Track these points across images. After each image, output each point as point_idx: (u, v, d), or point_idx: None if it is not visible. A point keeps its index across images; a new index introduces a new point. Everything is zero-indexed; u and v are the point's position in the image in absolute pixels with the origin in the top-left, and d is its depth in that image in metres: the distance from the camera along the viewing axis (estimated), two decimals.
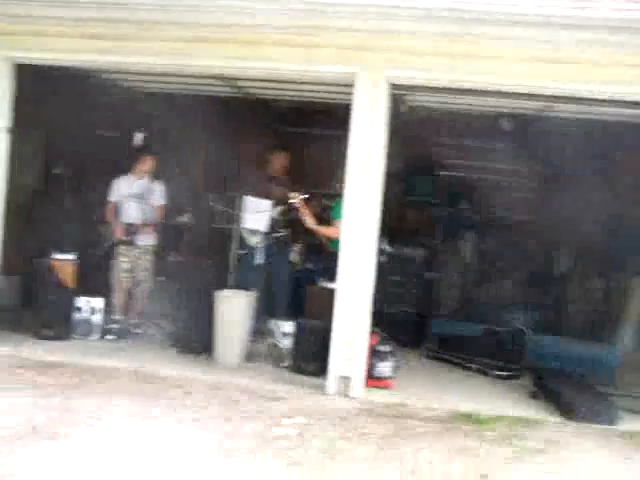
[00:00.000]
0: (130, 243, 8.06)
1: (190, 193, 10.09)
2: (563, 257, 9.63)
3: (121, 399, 5.63)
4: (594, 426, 6.00)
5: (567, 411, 6.23)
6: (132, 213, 8.11)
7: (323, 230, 7.54)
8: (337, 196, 7.56)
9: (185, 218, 8.46)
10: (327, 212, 8.08)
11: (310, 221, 7.62)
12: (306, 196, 7.87)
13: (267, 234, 8.12)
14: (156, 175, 8.28)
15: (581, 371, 7.39)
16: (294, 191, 8.06)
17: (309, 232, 10.58)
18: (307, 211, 7.67)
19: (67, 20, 6.61)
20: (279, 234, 8.27)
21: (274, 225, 8.18)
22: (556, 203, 11.34)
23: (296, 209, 7.93)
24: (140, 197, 8.12)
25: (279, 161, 8.63)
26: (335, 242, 7.19)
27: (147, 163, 8.17)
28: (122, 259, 8.06)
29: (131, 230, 8.03)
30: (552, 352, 7.96)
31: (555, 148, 9.81)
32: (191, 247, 10.01)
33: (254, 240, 8.14)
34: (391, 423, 5.64)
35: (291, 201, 7.90)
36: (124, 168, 8.43)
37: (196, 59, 6.69)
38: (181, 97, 9.51)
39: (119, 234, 8.02)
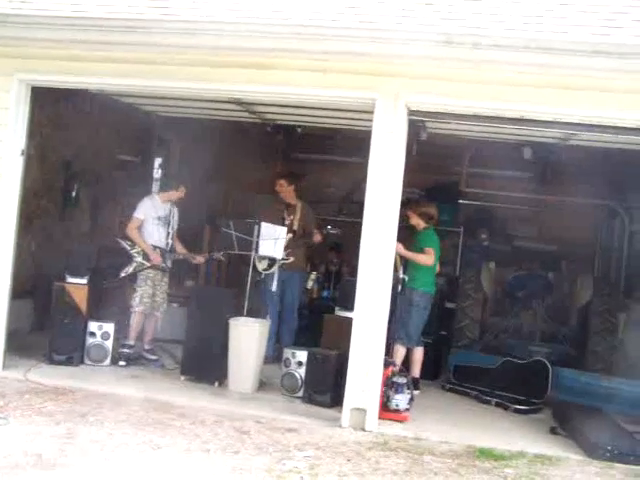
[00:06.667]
0: (164, 270, 8.01)
1: (209, 219, 10.07)
2: (585, 288, 9.42)
3: (129, 428, 5.50)
4: (619, 465, 5.77)
5: (590, 449, 6.00)
6: (155, 236, 8.01)
7: (416, 257, 7.46)
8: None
9: (220, 256, 8.40)
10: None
11: None
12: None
13: (274, 261, 8.07)
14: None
15: (604, 406, 7.16)
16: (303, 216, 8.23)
17: (327, 260, 10.59)
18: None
19: (85, 43, 6.57)
20: (286, 260, 8.17)
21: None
22: (577, 233, 11.22)
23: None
24: (165, 220, 8.06)
25: (289, 189, 8.59)
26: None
27: (179, 193, 8.10)
28: (149, 283, 7.94)
29: (165, 256, 7.98)
30: (574, 386, 7.74)
31: (577, 177, 9.69)
32: (207, 273, 9.97)
33: (261, 266, 8.08)
34: (405, 458, 5.45)
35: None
36: (143, 191, 8.40)
37: (214, 83, 6.65)
38: (199, 122, 9.49)
39: (156, 260, 7.92)
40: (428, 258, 7.51)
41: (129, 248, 7.93)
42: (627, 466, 5.77)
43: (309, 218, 8.69)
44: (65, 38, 6.56)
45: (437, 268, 7.85)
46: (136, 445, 5.13)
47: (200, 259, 8.46)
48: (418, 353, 7.76)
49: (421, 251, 7.55)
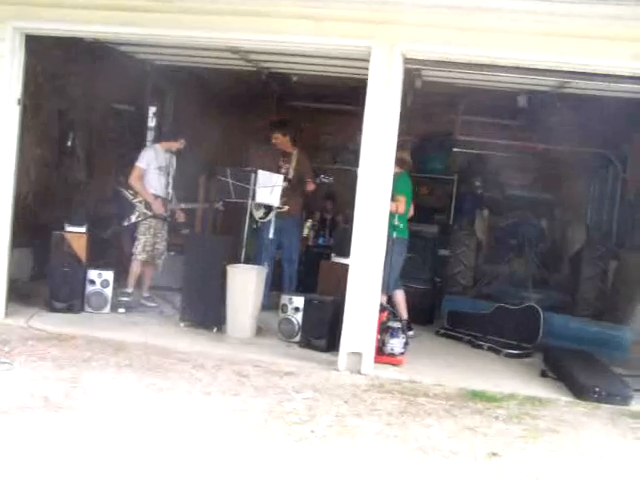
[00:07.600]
0: (165, 219, 8.07)
1: (206, 167, 10.08)
2: (577, 236, 9.52)
3: (132, 372, 5.65)
4: (606, 406, 5.95)
5: (579, 390, 6.17)
6: (156, 185, 8.05)
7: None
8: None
9: (220, 206, 8.52)
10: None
11: None
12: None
13: (271, 209, 8.13)
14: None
15: (594, 350, 7.33)
16: (299, 164, 8.26)
17: (322, 208, 10.64)
18: None
19: None
20: (281, 209, 8.22)
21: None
22: (570, 182, 11.28)
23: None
24: (165, 170, 8.10)
25: (284, 140, 8.62)
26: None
27: (178, 144, 8.14)
28: (151, 232, 8.02)
29: (167, 206, 8.05)
30: (564, 331, 7.91)
31: (571, 125, 9.70)
32: (203, 221, 10.02)
33: (258, 215, 8.15)
34: (400, 400, 5.62)
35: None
36: (138, 140, 8.40)
37: (209, 31, 6.59)
38: (194, 70, 9.45)
39: (159, 209, 7.98)
40: (398, 206, 7.43)
41: (131, 197, 7.97)
42: (613, 406, 5.95)
43: (305, 166, 8.70)
44: None
45: (411, 212, 7.88)
46: (139, 388, 5.27)
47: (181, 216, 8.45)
48: (399, 296, 7.86)
49: (393, 198, 7.51)
